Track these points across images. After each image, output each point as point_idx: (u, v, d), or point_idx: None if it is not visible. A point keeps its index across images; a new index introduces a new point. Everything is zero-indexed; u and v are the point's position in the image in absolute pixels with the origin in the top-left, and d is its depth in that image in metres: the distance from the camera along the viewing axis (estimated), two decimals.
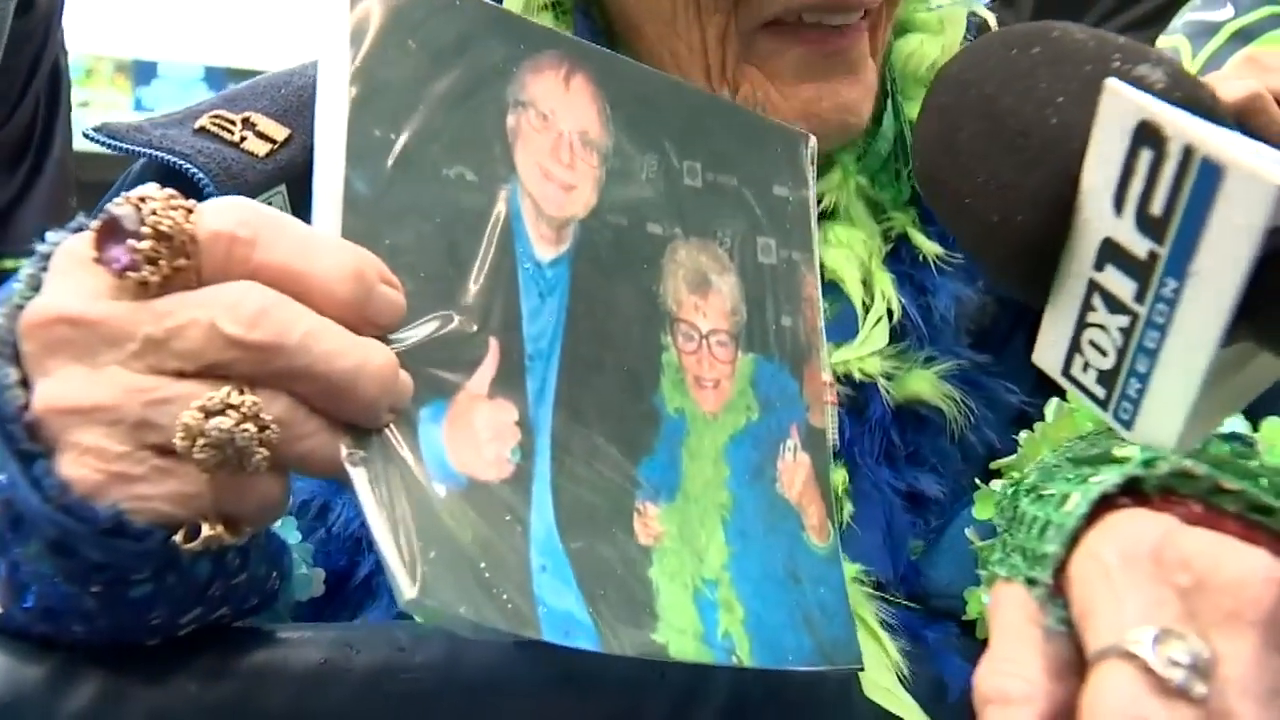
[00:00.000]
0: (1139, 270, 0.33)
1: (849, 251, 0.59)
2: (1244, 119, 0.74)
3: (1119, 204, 0.33)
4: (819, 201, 0.59)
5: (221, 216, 0.34)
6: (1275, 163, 0.30)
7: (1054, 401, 0.50)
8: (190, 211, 0.34)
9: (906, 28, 0.65)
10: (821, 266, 0.57)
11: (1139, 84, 0.33)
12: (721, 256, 0.46)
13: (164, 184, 0.55)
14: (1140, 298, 0.33)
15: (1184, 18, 1.21)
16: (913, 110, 0.63)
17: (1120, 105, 0.32)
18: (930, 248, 0.61)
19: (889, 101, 0.63)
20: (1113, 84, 0.32)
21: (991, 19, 0.68)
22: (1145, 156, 0.32)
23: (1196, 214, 0.31)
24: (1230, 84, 0.75)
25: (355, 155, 0.36)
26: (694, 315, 0.44)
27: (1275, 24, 1.12)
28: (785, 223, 0.49)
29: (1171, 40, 1.19)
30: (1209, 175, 0.30)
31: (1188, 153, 0.31)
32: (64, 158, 1.81)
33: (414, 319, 0.36)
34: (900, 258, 0.62)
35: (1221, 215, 0.30)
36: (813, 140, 0.52)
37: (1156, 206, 0.32)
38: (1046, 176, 0.34)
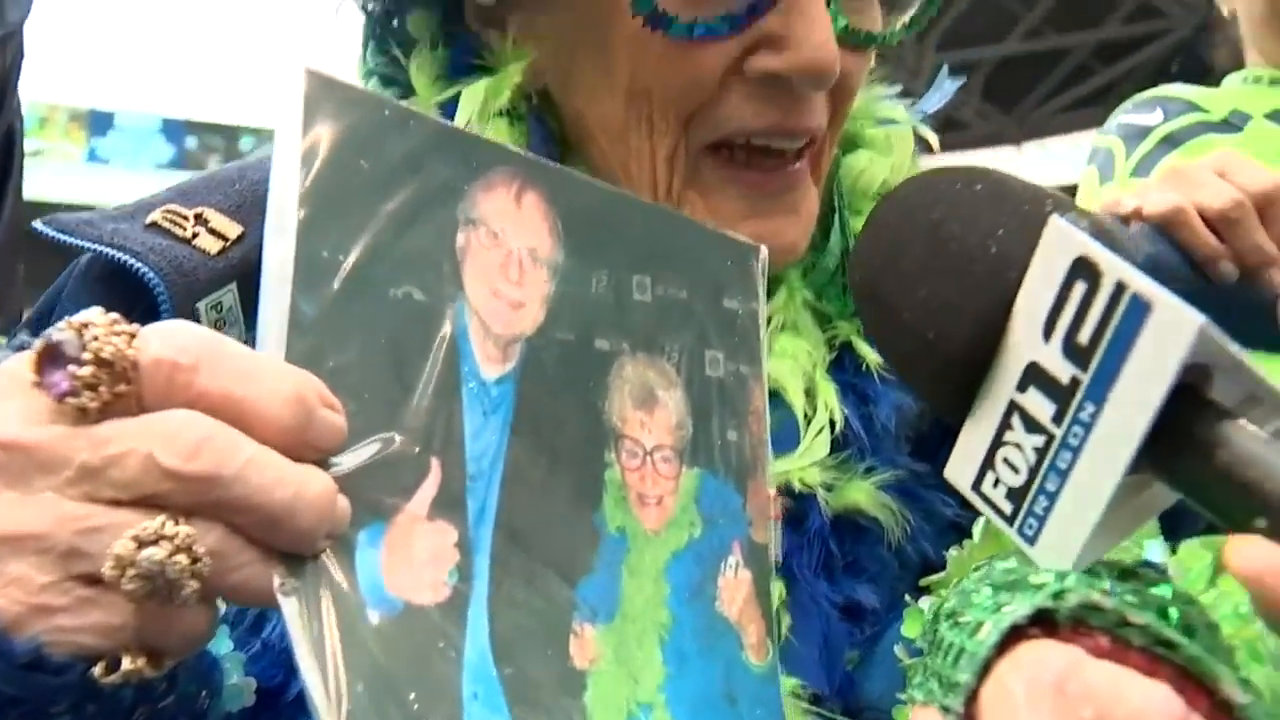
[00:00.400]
0: (1060, 394, 0.36)
1: (793, 362, 0.60)
2: (1168, 231, 0.77)
3: (1048, 331, 0.36)
4: (774, 323, 0.61)
5: (164, 343, 0.34)
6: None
7: (981, 520, 0.52)
8: (133, 337, 0.34)
9: (856, 143, 0.67)
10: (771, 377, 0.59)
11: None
12: (669, 371, 0.47)
13: (112, 281, 0.55)
14: (1058, 419, 0.36)
15: (1118, 119, 1.26)
16: (859, 225, 0.64)
17: (1062, 240, 0.35)
18: (874, 357, 0.63)
19: (836, 217, 0.65)
20: (1057, 220, 0.35)
21: (934, 139, 0.71)
22: (1079, 289, 0.35)
23: (1121, 345, 0.34)
24: (1155, 197, 0.78)
25: (302, 278, 0.36)
26: (639, 431, 0.45)
27: (1201, 130, 1.18)
28: (734, 335, 0.50)
29: (1107, 140, 1.25)
30: (1137, 310, 0.34)
31: (1119, 288, 0.34)
32: (14, 222, 1.78)
33: (356, 441, 0.36)
34: (844, 367, 0.63)
35: (1144, 347, 0.33)
36: (764, 252, 0.53)
37: (1084, 335, 0.35)
38: (985, 300, 0.37)
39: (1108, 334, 0.34)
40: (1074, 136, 18.98)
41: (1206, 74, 1.46)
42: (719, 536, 0.47)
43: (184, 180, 0.62)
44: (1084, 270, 0.35)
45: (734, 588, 0.47)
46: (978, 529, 0.52)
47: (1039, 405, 0.37)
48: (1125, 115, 1.28)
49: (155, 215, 0.57)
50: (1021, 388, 0.38)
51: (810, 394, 0.60)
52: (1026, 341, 0.37)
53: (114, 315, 0.34)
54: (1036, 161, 18.50)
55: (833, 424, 0.60)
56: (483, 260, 0.41)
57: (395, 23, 0.62)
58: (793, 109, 0.56)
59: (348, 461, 0.36)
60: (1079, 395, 0.35)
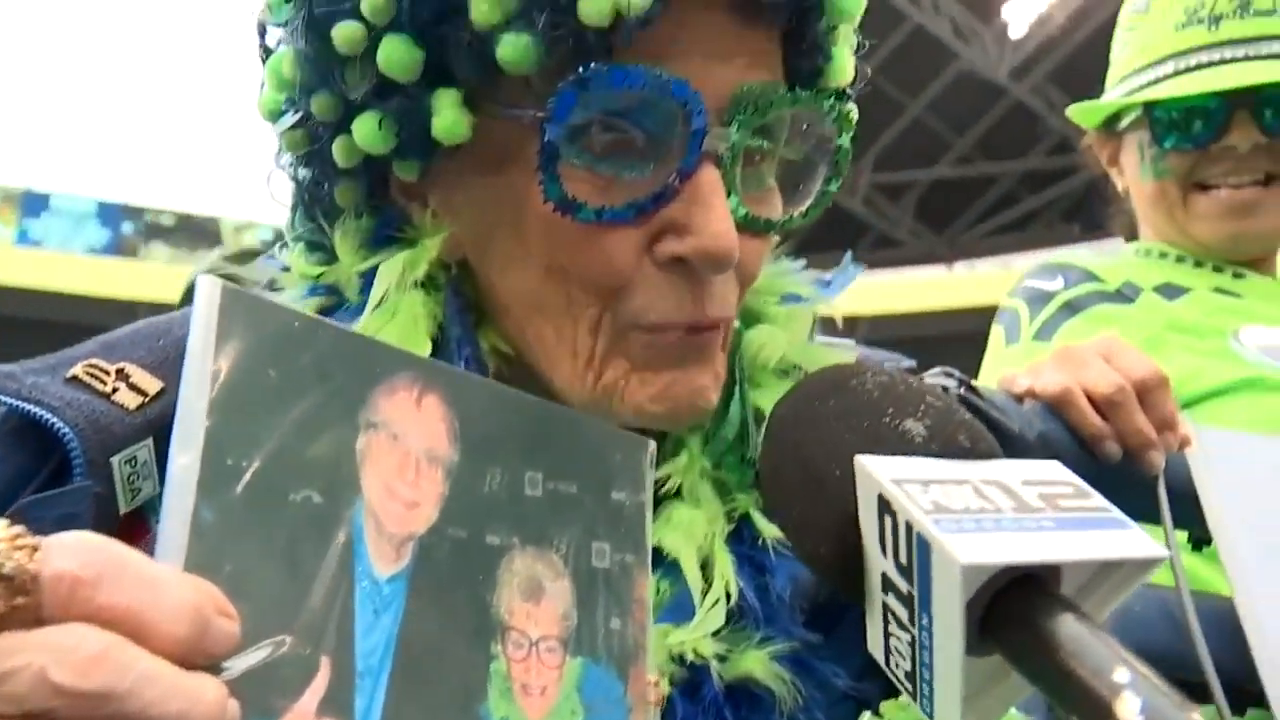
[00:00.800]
0: (906, 601, 0.40)
1: (690, 533, 0.61)
2: (1058, 411, 0.81)
3: (883, 549, 0.40)
4: (665, 482, 0.62)
5: (66, 557, 0.34)
6: (988, 535, 0.37)
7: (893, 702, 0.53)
8: (35, 549, 0.34)
9: (758, 318, 0.69)
10: (662, 547, 0.60)
11: (902, 439, 0.40)
12: (556, 563, 0.48)
13: (26, 434, 0.54)
14: (912, 621, 0.40)
15: (1024, 283, 1.33)
16: (758, 398, 0.67)
17: (866, 480, 0.39)
18: (770, 530, 0.64)
19: (736, 389, 0.67)
20: (860, 462, 0.38)
21: (838, 315, 0.74)
22: (888, 520, 0.39)
23: (924, 571, 0.38)
24: (1047, 378, 0.83)
25: (206, 486, 0.37)
26: (525, 623, 0.46)
27: (1097, 299, 1.25)
28: (620, 527, 0.51)
29: (1013, 302, 1.31)
30: (923, 546, 0.38)
31: (909, 526, 0.38)
32: None
33: (250, 644, 0.37)
34: (742, 538, 0.65)
35: (938, 578, 0.37)
36: (651, 446, 0.54)
37: (903, 557, 0.39)
38: (836, 518, 0.40)
39: (915, 560, 0.38)
40: (1002, 259, 19.74)
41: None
42: None
43: (109, 334, 0.62)
44: (886, 506, 0.39)
45: None
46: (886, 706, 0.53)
47: (898, 608, 0.40)
48: (1030, 280, 1.34)
49: (77, 369, 0.57)
50: (885, 591, 0.41)
51: (706, 566, 0.61)
52: (875, 555, 0.41)
53: (16, 529, 0.34)
54: (966, 281, 19.15)
55: (729, 595, 0.60)
56: (382, 462, 0.42)
57: (323, 192, 0.64)
58: (703, 298, 0.58)
59: (240, 665, 0.36)
60: (916, 604, 0.39)
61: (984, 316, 1.40)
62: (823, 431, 0.42)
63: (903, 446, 0.40)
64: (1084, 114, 1.41)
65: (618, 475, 0.52)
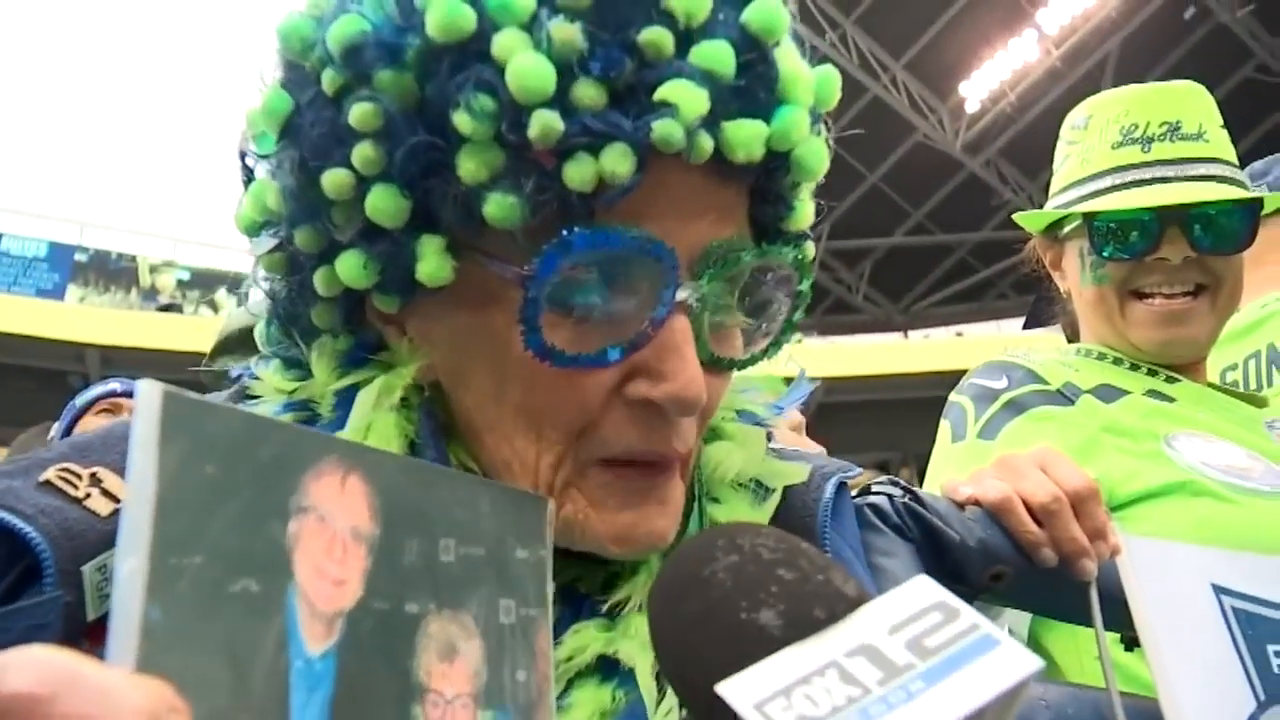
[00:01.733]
0: None
1: (645, 644, 0.61)
2: (998, 518, 0.85)
3: None
4: (627, 602, 0.63)
5: (22, 676, 0.34)
6: None
7: None
8: None
9: (715, 435, 0.70)
10: (618, 657, 0.62)
11: (760, 636, 0.41)
12: (469, 624, 0.50)
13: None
14: None
15: (971, 380, 1.39)
16: (716, 512, 0.68)
17: (733, 704, 0.39)
18: None
19: (696, 505, 0.68)
20: (723, 694, 0.39)
21: (793, 418, 0.77)
22: None
23: None
24: (989, 485, 0.87)
25: (153, 587, 0.38)
26: (441, 683, 0.48)
27: (1040, 400, 1.30)
28: (523, 583, 0.53)
29: (959, 399, 1.36)
30: None
31: None
32: None
33: None
34: None
35: None
36: (551, 503, 0.56)
37: None
38: (715, 713, 0.39)
39: None
40: (955, 328, 20.08)
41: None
42: None
43: (81, 436, 0.63)
44: None
45: None
46: None
47: None
48: (976, 378, 1.39)
49: (50, 473, 0.58)
50: None
51: (661, 676, 0.61)
52: None
53: None
54: (921, 349, 19.43)
55: (682, 704, 0.63)
56: (311, 545, 0.44)
57: (300, 312, 0.65)
58: (668, 433, 0.60)
59: None
60: None
61: (938, 381, 1.45)
62: (688, 644, 0.43)
63: (762, 645, 0.40)
64: (1029, 220, 1.47)
65: (521, 534, 0.54)
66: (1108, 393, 1.32)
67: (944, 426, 1.36)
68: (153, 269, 16.59)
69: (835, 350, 18.39)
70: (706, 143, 0.55)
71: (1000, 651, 0.40)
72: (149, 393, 0.40)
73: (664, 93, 0.54)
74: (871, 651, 0.40)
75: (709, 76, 0.55)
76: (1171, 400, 1.34)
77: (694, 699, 0.42)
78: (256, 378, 0.67)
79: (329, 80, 0.57)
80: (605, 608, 0.63)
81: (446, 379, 0.63)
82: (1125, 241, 1.35)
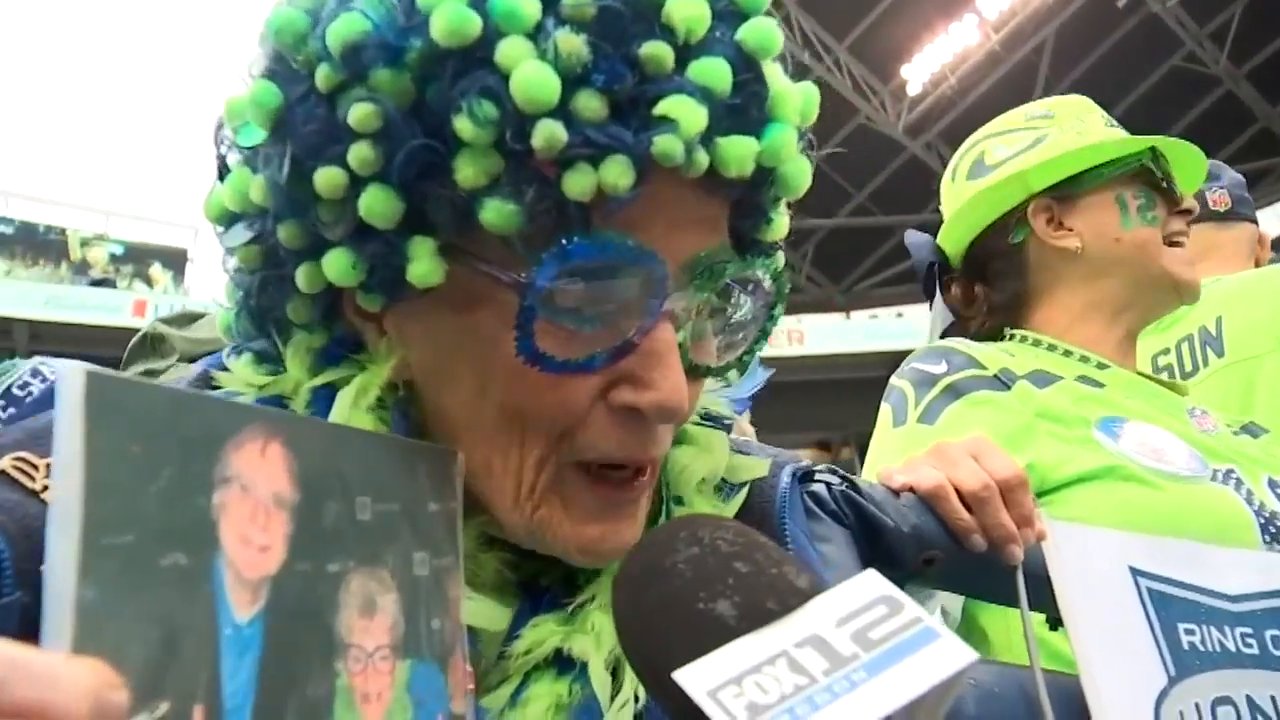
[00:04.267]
0: None
1: (601, 639, 0.62)
2: (932, 504, 0.89)
3: None
4: (592, 599, 0.64)
5: None
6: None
7: None
8: None
9: (681, 439, 0.71)
10: (573, 652, 0.62)
11: (716, 626, 0.43)
12: (386, 579, 0.51)
13: None
14: None
15: (911, 364, 1.42)
16: (680, 513, 0.69)
17: (688, 690, 0.41)
18: None
19: (663, 507, 0.69)
20: (680, 680, 0.41)
21: (751, 433, 0.79)
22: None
23: None
24: (924, 473, 0.91)
25: (85, 567, 0.39)
26: (362, 638, 0.49)
27: (977, 385, 1.34)
28: (435, 535, 0.55)
29: (900, 382, 1.40)
30: None
31: None
32: None
33: (136, 708, 0.39)
34: None
35: None
36: (460, 457, 0.58)
37: None
38: (683, 711, 0.41)
39: None
40: (897, 308, 20.36)
41: None
42: (427, 715, 0.52)
43: (35, 420, 0.60)
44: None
45: None
46: None
47: None
48: (917, 362, 1.41)
49: (4, 463, 0.56)
50: None
51: (616, 671, 0.62)
52: None
53: None
54: (864, 329, 19.68)
55: (637, 698, 0.62)
56: (235, 514, 0.45)
57: (276, 305, 0.64)
58: (645, 439, 0.61)
59: None
60: None
61: (879, 361, 1.47)
62: (649, 632, 0.45)
63: (718, 634, 0.42)
64: (1046, 171, 1.46)
65: (432, 487, 0.56)
66: (1041, 378, 1.36)
67: (885, 410, 1.39)
68: (84, 242, 16.12)
69: (778, 330, 18.52)
70: (703, 158, 0.56)
71: (939, 644, 0.42)
72: (72, 376, 0.40)
73: (665, 108, 0.54)
74: (819, 642, 0.43)
75: (707, 93, 0.55)
76: (1101, 386, 1.38)
77: (654, 684, 0.44)
78: (224, 368, 0.66)
79: (324, 77, 0.56)
80: (571, 609, 0.64)
81: (424, 378, 0.63)
82: (1171, 182, 1.44)
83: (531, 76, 0.52)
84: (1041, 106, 1.52)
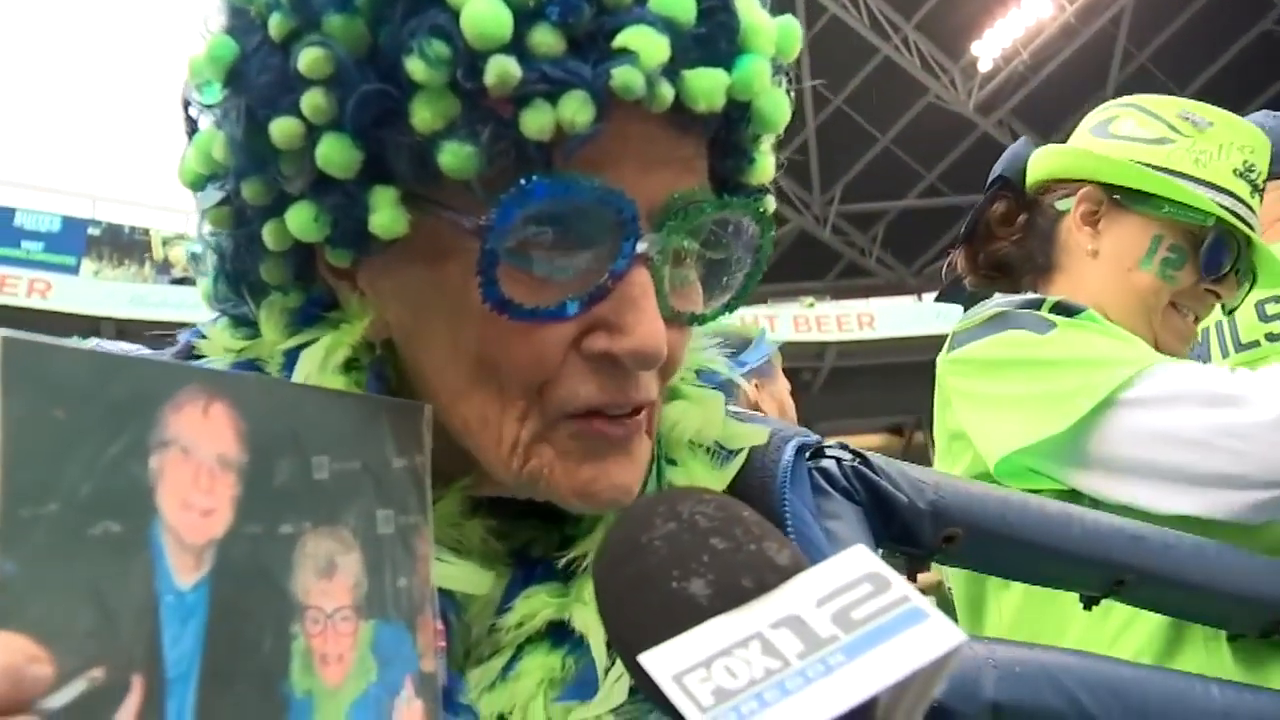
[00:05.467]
0: None
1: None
2: None
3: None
4: (585, 557, 0.63)
5: None
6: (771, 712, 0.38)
7: None
8: None
9: (673, 395, 0.69)
10: (571, 623, 0.61)
11: (688, 606, 0.42)
12: (346, 538, 0.50)
13: None
14: None
15: (990, 309, 1.37)
16: (673, 473, 0.68)
17: (652, 674, 0.40)
18: None
19: (655, 466, 0.67)
20: (645, 663, 0.40)
21: (748, 387, 0.77)
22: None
23: None
24: None
25: (4, 540, 0.38)
26: (321, 599, 0.48)
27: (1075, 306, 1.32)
28: (402, 492, 0.53)
29: (1005, 311, 1.35)
30: None
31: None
32: None
33: (66, 679, 0.38)
34: None
35: None
36: (428, 409, 0.56)
37: None
38: (654, 691, 0.40)
39: None
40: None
41: None
42: (393, 675, 0.51)
43: None
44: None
45: (407, 718, 0.51)
46: None
47: None
48: (993, 304, 1.38)
49: None
50: None
51: (611, 644, 0.60)
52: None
53: None
54: (936, 311, 19.32)
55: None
56: (175, 478, 0.44)
57: (249, 268, 0.63)
58: (626, 384, 0.59)
59: (57, 701, 0.38)
60: None
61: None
62: (624, 611, 0.44)
63: (691, 614, 0.41)
64: (1120, 173, 1.41)
65: (397, 442, 0.54)
66: None
67: (1013, 335, 1.33)
68: (165, 242, 16.63)
69: (847, 314, 18.32)
70: (667, 91, 0.54)
71: (925, 625, 0.40)
72: None
73: (624, 39, 0.53)
74: (796, 623, 0.41)
75: (669, 24, 0.54)
76: None
77: (629, 666, 0.42)
78: (204, 336, 0.65)
79: (276, 25, 0.55)
80: (561, 564, 0.63)
81: (400, 335, 0.62)
82: (1218, 262, 1.39)
83: (482, 11, 0.51)
84: (1205, 115, 1.44)
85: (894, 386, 17.65)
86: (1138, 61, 16.90)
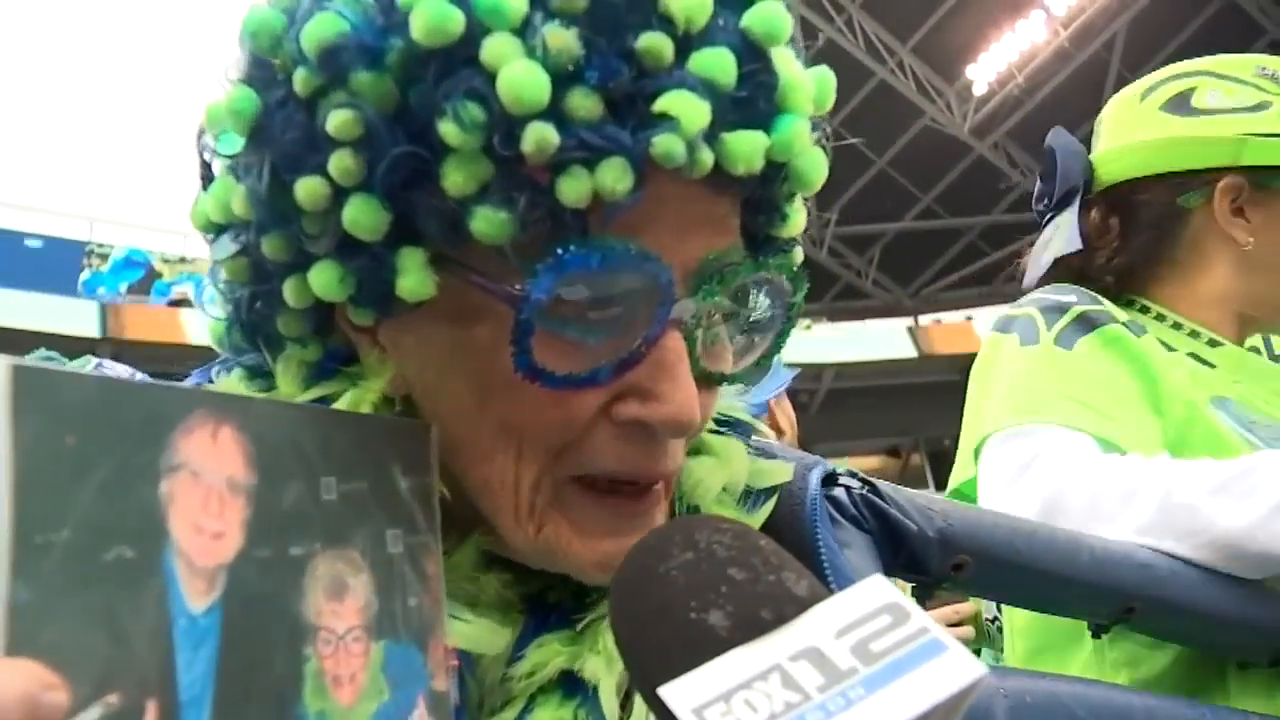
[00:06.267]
0: None
1: (612, 662, 0.59)
2: None
3: None
4: (602, 618, 0.61)
5: None
6: None
7: None
8: None
9: (697, 449, 0.68)
10: (584, 674, 0.59)
11: (708, 638, 0.41)
12: (355, 559, 0.50)
13: None
14: None
15: (1032, 296, 1.33)
16: None
17: (672, 707, 0.40)
18: None
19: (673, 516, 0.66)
20: (664, 697, 0.39)
21: (770, 434, 0.76)
22: None
23: None
24: None
25: (18, 567, 0.38)
26: (332, 621, 0.48)
27: (1110, 320, 1.26)
28: (409, 511, 0.53)
29: (1023, 311, 1.31)
30: None
31: None
32: None
33: (80, 708, 0.38)
34: None
35: None
36: (434, 430, 0.55)
37: None
38: (662, 714, 0.40)
39: None
40: (965, 312, 20.00)
41: None
42: (405, 695, 0.51)
43: None
44: None
45: None
46: None
47: None
48: (1039, 293, 1.33)
49: None
50: None
51: (628, 695, 0.60)
52: None
53: None
54: (931, 333, 19.36)
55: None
56: (186, 502, 0.44)
57: (265, 320, 0.61)
58: (654, 453, 0.58)
59: None
60: None
61: (948, 366, 1.42)
62: (642, 642, 0.43)
63: (710, 645, 0.41)
64: (1270, 150, 1.31)
65: (403, 462, 0.54)
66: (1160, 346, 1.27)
67: (1004, 338, 1.30)
68: (165, 261, 16.74)
69: (844, 336, 18.35)
70: (707, 157, 0.53)
71: (945, 658, 0.40)
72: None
73: (664, 104, 0.51)
74: (815, 655, 0.40)
75: (710, 87, 0.52)
76: (1212, 366, 1.30)
77: (648, 699, 0.42)
78: (211, 382, 0.65)
79: (301, 81, 0.53)
80: (580, 627, 0.61)
81: (420, 393, 0.60)
82: None
83: (520, 76, 0.49)
84: (1275, 63, 1.35)
85: (891, 408, 17.67)
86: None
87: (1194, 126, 1.33)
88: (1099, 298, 1.30)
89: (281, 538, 0.47)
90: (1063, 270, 1.38)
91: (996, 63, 17.15)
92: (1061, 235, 1.38)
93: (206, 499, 0.45)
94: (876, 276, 20.82)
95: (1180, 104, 1.35)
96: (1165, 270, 1.38)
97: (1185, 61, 1.40)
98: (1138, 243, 1.38)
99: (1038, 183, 1.48)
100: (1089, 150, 1.44)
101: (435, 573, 0.54)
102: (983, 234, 19.72)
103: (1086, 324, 1.25)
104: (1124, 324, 1.26)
